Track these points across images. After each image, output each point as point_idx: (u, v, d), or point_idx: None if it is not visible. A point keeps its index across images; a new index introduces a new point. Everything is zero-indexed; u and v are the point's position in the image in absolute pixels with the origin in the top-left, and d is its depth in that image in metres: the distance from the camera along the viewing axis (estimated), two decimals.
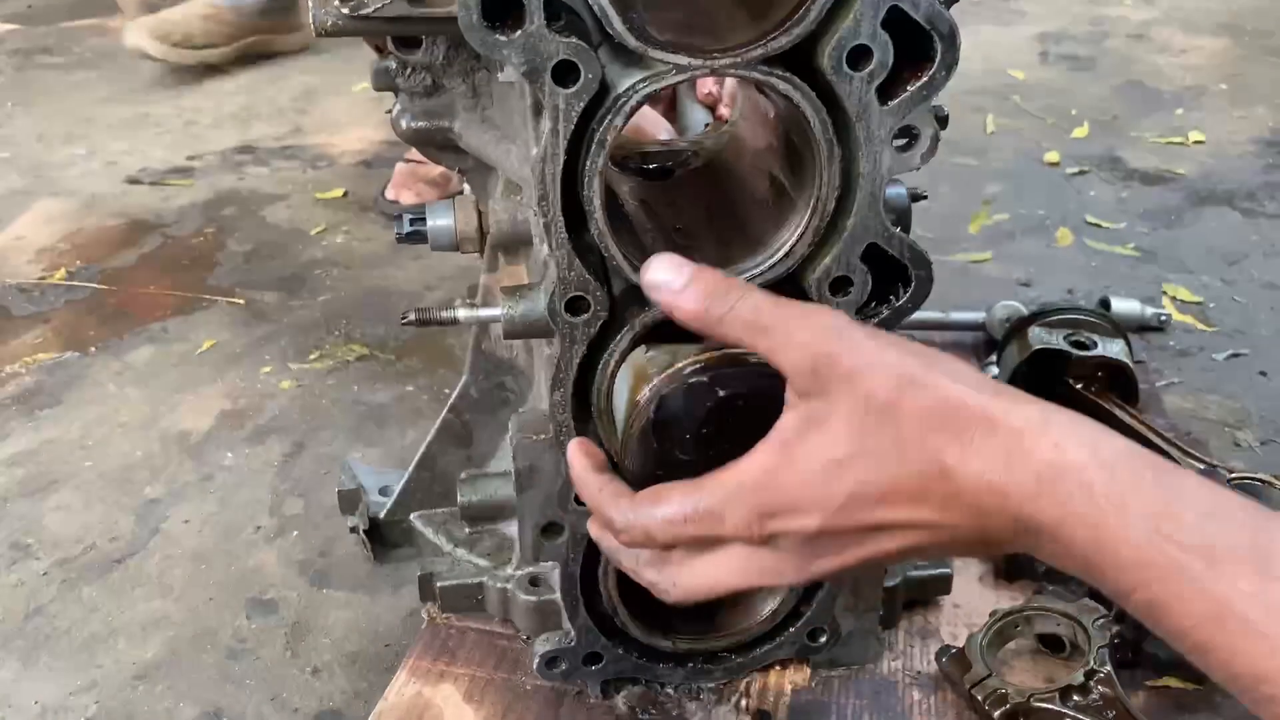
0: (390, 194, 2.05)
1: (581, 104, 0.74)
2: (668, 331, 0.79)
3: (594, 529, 0.77)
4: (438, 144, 1.06)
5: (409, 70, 1.02)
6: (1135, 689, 0.99)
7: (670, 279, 0.68)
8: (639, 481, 0.72)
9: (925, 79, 0.76)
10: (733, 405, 0.74)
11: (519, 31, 0.71)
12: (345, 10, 0.82)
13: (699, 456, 0.73)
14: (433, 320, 0.84)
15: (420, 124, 1.04)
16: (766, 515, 0.64)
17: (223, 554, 1.26)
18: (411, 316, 0.84)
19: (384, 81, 1.04)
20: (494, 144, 1.01)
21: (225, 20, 2.67)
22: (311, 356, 1.62)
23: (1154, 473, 0.58)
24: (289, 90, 2.69)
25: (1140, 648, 1.00)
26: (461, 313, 0.83)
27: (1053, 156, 2.24)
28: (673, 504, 0.67)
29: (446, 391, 1.45)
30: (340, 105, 2.59)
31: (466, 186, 1.12)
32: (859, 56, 0.74)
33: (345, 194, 2.15)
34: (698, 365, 0.74)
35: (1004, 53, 2.78)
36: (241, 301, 1.77)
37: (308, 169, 2.28)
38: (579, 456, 0.76)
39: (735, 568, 0.67)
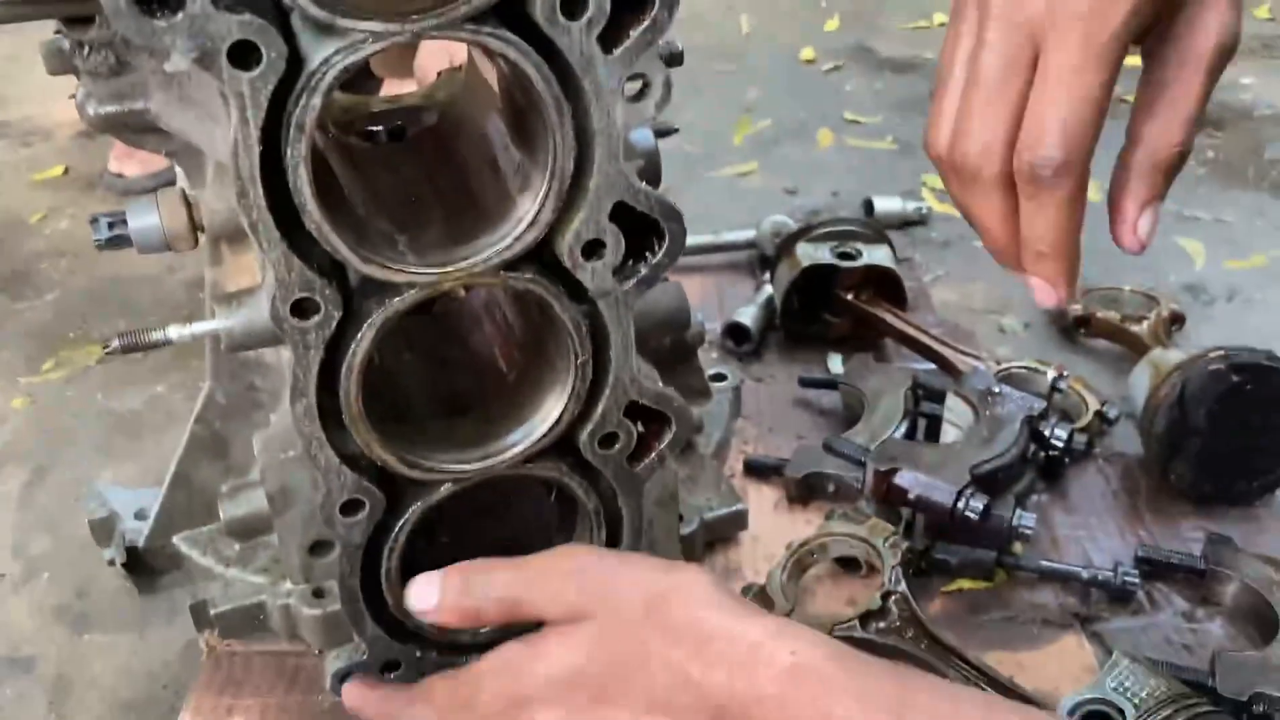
0: (114, 166, 1.87)
1: (270, 86, 0.65)
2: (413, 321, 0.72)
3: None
4: (135, 128, 0.94)
5: (87, 50, 0.89)
6: (931, 597, 1.02)
7: (425, 604, 0.75)
8: None
9: (648, 22, 0.71)
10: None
11: (180, 14, 0.62)
12: None
13: None
14: (141, 345, 0.74)
15: (110, 108, 0.92)
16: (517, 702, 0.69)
17: None
18: (115, 344, 0.74)
19: (59, 64, 0.91)
20: (197, 124, 0.89)
21: None
22: (45, 366, 1.46)
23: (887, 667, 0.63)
24: None
25: (930, 556, 1.03)
26: (173, 332, 0.74)
27: (808, 54, 2.25)
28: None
29: (202, 385, 1.33)
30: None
31: (180, 173, 1.00)
32: (574, 4, 0.68)
33: (66, 171, 1.95)
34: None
35: None
36: None
37: (18, 147, 2.05)
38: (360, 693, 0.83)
39: None
